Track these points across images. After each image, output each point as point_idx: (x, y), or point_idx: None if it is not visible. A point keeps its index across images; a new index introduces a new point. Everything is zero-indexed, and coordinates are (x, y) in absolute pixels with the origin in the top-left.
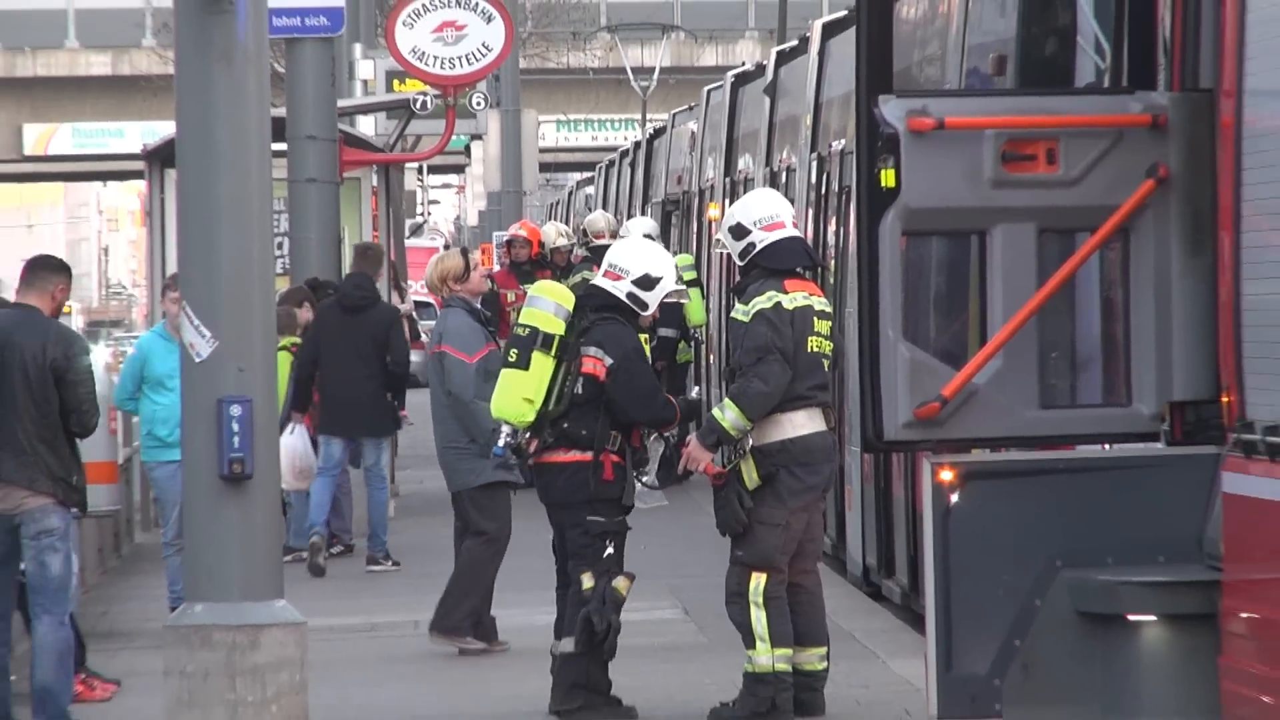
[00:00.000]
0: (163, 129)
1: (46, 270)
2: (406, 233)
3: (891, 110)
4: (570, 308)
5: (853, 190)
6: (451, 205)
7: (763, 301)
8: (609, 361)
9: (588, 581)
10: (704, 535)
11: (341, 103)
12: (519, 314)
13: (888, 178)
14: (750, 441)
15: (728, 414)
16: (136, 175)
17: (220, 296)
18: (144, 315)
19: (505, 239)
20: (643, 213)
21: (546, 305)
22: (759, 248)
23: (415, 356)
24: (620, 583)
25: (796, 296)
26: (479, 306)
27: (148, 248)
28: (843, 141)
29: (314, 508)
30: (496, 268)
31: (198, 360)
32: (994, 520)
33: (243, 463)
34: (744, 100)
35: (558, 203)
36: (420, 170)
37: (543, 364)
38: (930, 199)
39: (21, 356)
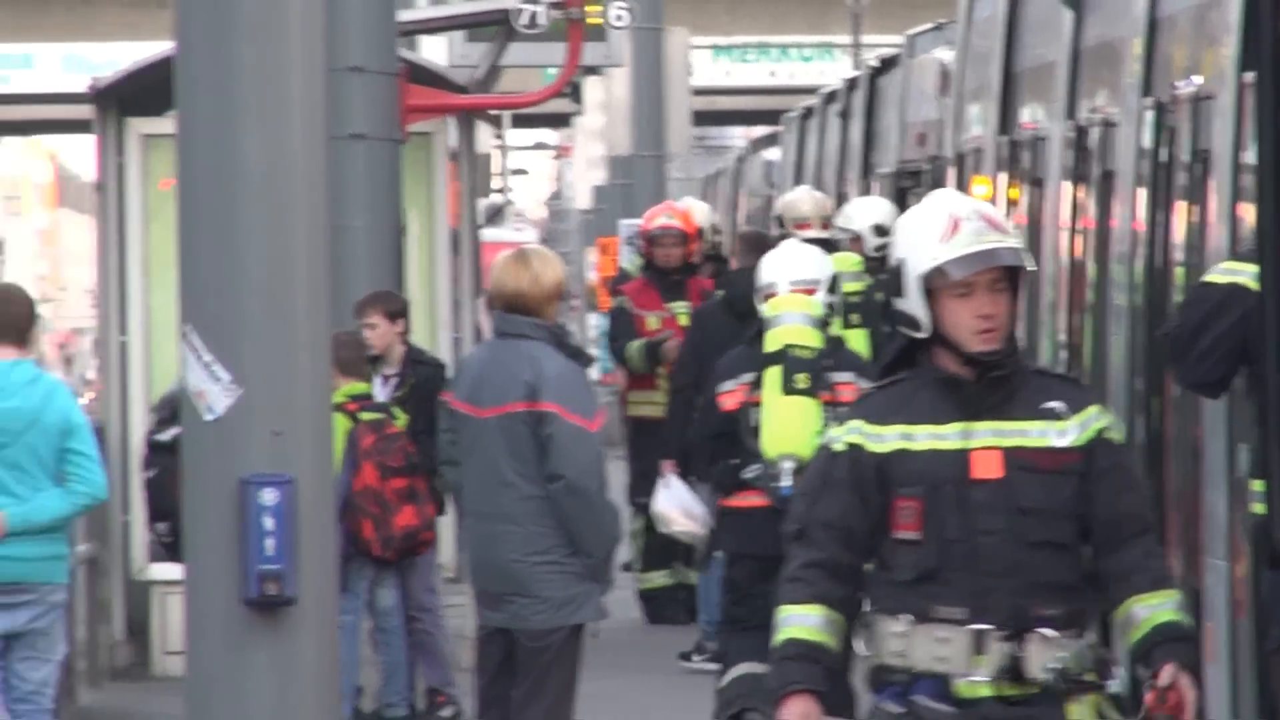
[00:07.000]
0: (104, 55)
1: None
2: (480, 219)
3: None
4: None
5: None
6: (545, 178)
7: None
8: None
9: None
10: None
11: (404, 14)
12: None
13: None
14: None
15: None
16: (58, 128)
17: (246, 315)
18: (58, 346)
19: (645, 231)
20: (863, 189)
21: (810, 321)
22: None
23: None
24: None
25: None
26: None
27: (100, 242)
28: (1198, 80)
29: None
30: (629, 274)
31: (209, 418)
32: None
33: (279, 580)
34: (1029, 13)
35: (719, 174)
36: (499, 125)
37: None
38: None
39: None
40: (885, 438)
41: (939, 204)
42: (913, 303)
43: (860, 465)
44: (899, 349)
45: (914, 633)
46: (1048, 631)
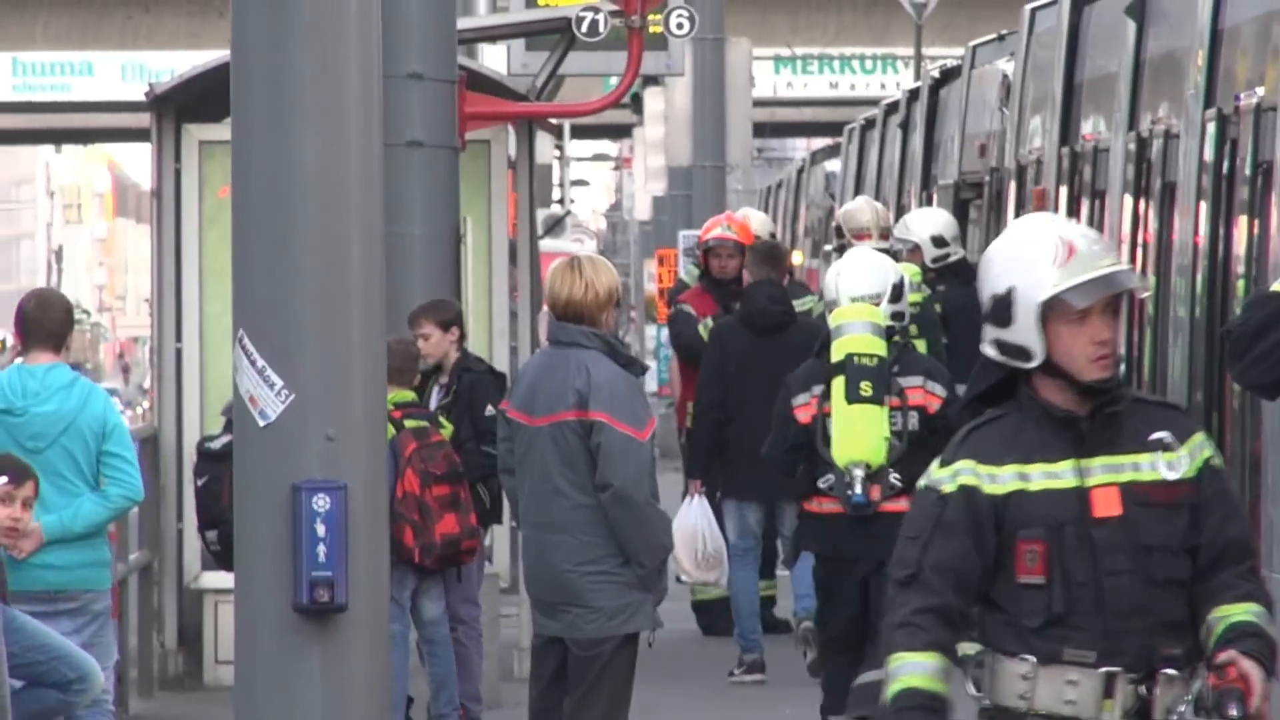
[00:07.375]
0: (163, 63)
1: None
2: (539, 230)
3: None
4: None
5: None
6: (604, 189)
7: None
8: (944, 394)
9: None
10: None
11: (464, 22)
12: None
13: None
14: None
15: None
16: (118, 136)
17: (300, 321)
18: (116, 354)
19: (702, 242)
20: (924, 200)
21: (874, 330)
22: None
23: None
24: None
25: None
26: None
27: (155, 251)
28: (1260, 91)
29: (741, 613)
30: (686, 285)
31: (262, 424)
32: None
33: (330, 586)
34: (1092, 24)
35: (780, 184)
36: (559, 136)
37: None
38: None
39: None
40: (1000, 478)
41: (1043, 228)
42: (1025, 332)
43: (976, 507)
44: (993, 380)
45: (1039, 675)
46: (1172, 671)
